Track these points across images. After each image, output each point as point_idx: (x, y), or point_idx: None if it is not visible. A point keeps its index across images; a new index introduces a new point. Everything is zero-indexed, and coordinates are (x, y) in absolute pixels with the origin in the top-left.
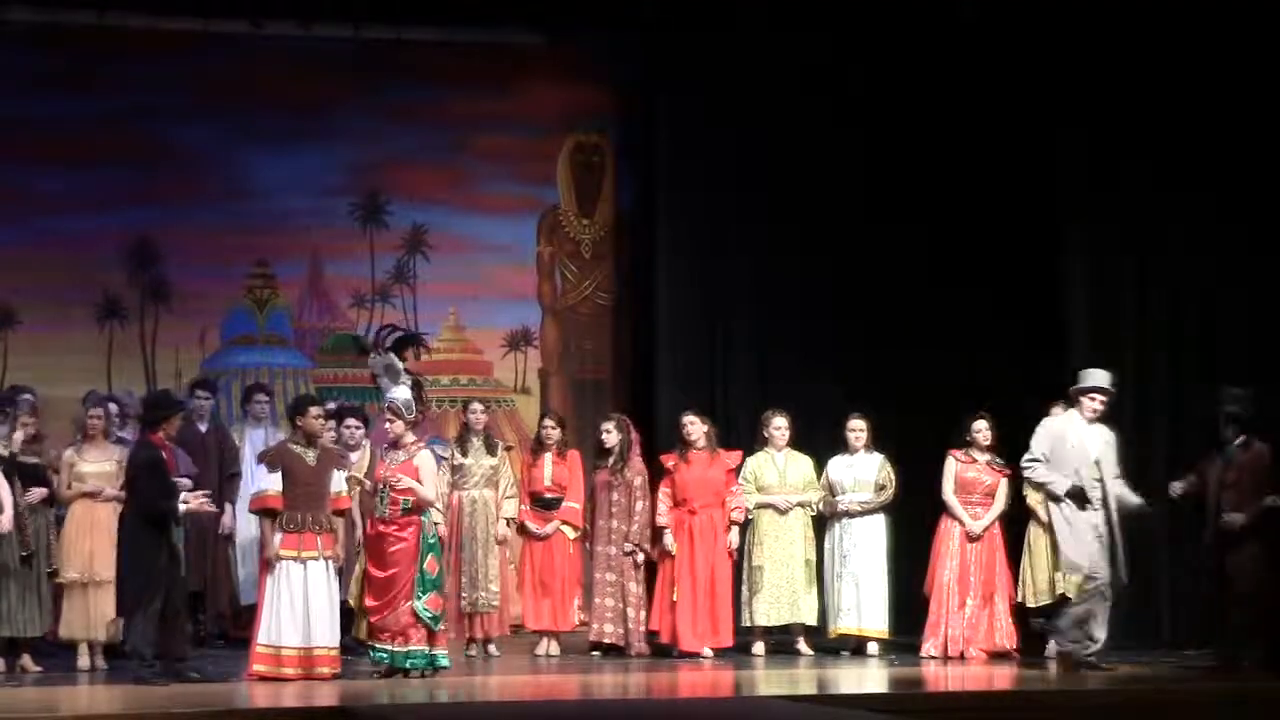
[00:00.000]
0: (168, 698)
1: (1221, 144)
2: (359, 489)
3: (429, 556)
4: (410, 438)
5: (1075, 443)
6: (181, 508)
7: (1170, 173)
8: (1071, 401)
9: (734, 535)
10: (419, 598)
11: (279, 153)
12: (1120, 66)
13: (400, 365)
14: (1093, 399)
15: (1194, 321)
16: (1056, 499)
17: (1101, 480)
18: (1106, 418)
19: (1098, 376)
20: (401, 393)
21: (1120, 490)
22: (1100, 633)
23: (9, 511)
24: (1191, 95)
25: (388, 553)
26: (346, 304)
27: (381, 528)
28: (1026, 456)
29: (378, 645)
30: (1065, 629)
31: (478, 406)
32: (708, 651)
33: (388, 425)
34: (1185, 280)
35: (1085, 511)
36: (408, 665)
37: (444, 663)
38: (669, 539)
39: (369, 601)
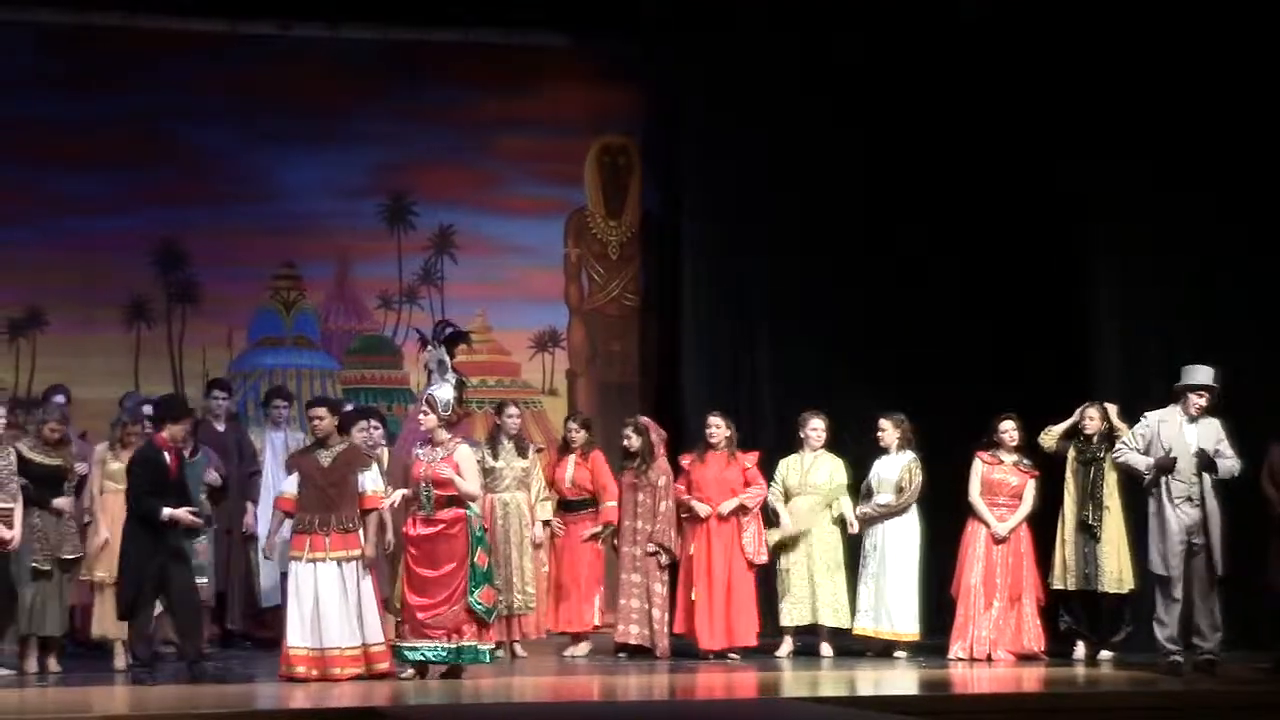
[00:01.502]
0: (196, 698)
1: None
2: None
3: (478, 550)
4: (445, 435)
5: (1173, 436)
6: (165, 512)
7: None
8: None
9: (748, 535)
10: (472, 592)
11: (306, 154)
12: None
13: (449, 361)
14: (1199, 395)
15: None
16: (1143, 480)
17: (1200, 478)
18: (1215, 412)
19: (1199, 373)
20: (444, 390)
21: (1229, 465)
22: (1198, 636)
23: (18, 531)
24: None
25: (439, 550)
26: (374, 305)
27: (427, 526)
28: (1119, 442)
29: (425, 643)
30: (1163, 638)
31: (514, 410)
32: (734, 655)
33: (420, 418)
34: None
35: (1177, 506)
36: (463, 660)
37: (491, 658)
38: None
39: (418, 600)
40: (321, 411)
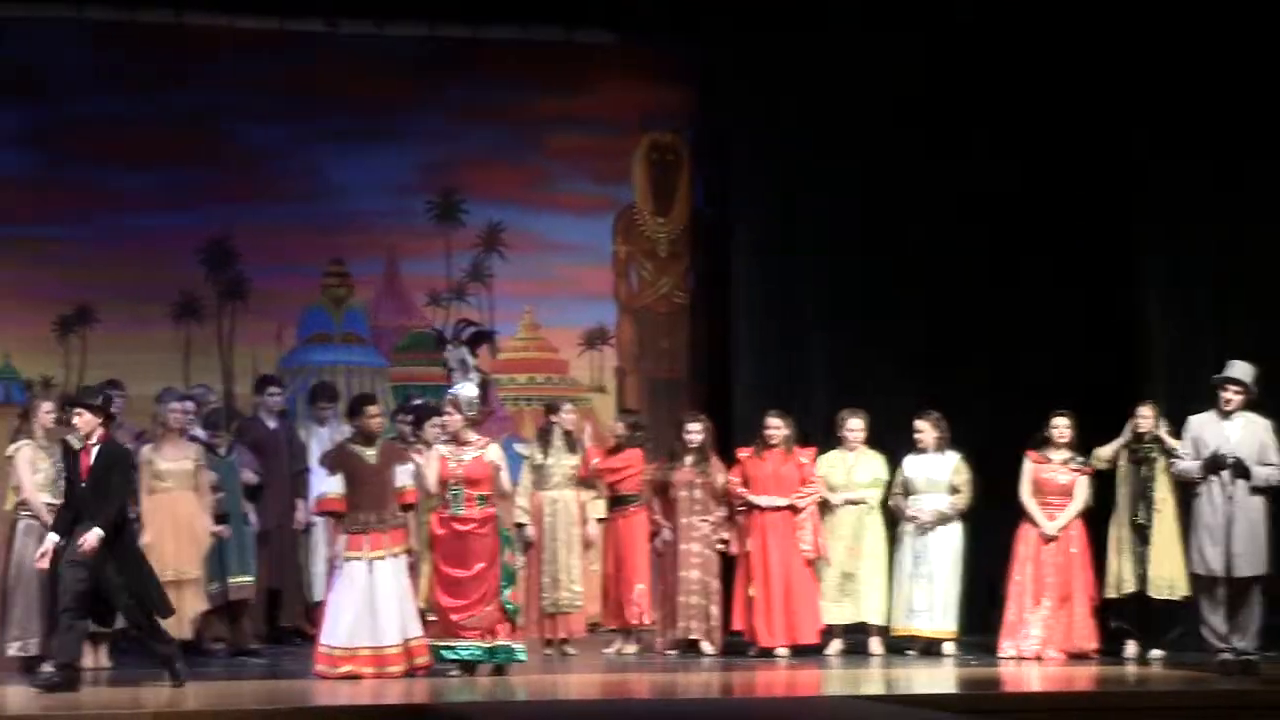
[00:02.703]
0: (243, 695)
1: None
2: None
3: (506, 550)
4: (472, 435)
5: (1213, 434)
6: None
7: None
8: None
9: (805, 532)
10: (503, 591)
11: (355, 151)
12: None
13: (471, 361)
14: (1230, 390)
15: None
16: (1197, 482)
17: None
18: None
19: (1232, 368)
20: (466, 389)
21: (1266, 472)
22: (1238, 635)
23: (49, 549)
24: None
25: (472, 550)
26: (422, 302)
27: (459, 525)
28: (1172, 455)
29: (459, 643)
30: (1210, 637)
31: (569, 407)
32: (782, 650)
33: (445, 419)
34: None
35: (1216, 505)
36: (497, 660)
37: (523, 656)
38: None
39: (451, 601)
40: (378, 409)
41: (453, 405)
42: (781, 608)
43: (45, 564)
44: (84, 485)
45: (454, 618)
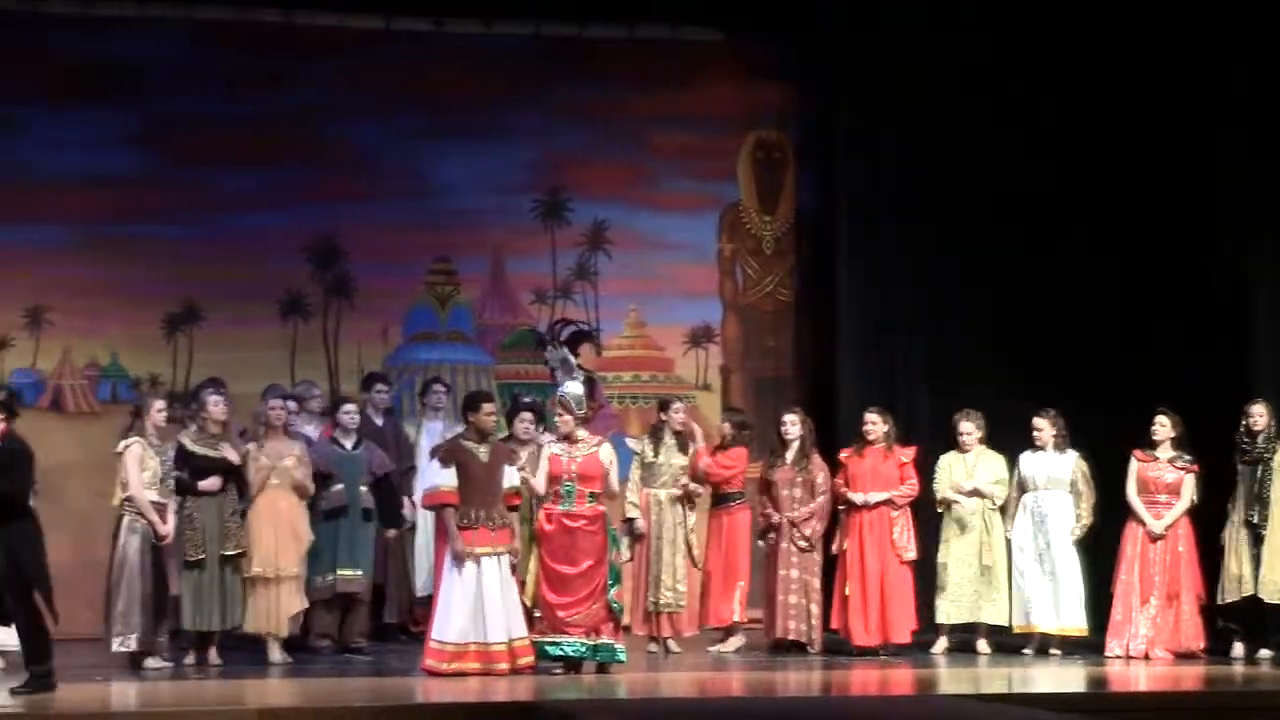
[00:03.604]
0: (348, 692)
1: None
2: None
3: (613, 549)
4: (582, 433)
5: None
6: None
7: None
8: None
9: (899, 530)
10: (610, 590)
11: (461, 150)
12: None
13: (574, 360)
14: None
15: None
16: None
17: None
18: None
19: None
20: (573, 388)
21: None
22: None
23: (171, 526)
24: None
25: (581, 548)
26: (528, 300)
27: (569, 522)
28: None
29: (564, 639)
30: None
31: (679, 405)
32: (885, 648)
33: (557, 419)
34: None
35: None
36: (599, 658)
37: (624, 657)
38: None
39: (557, 598)
40: (493, 407)
41: (562, 405)
42: (876, 608)
43: None
44: None
45: (560, 614)
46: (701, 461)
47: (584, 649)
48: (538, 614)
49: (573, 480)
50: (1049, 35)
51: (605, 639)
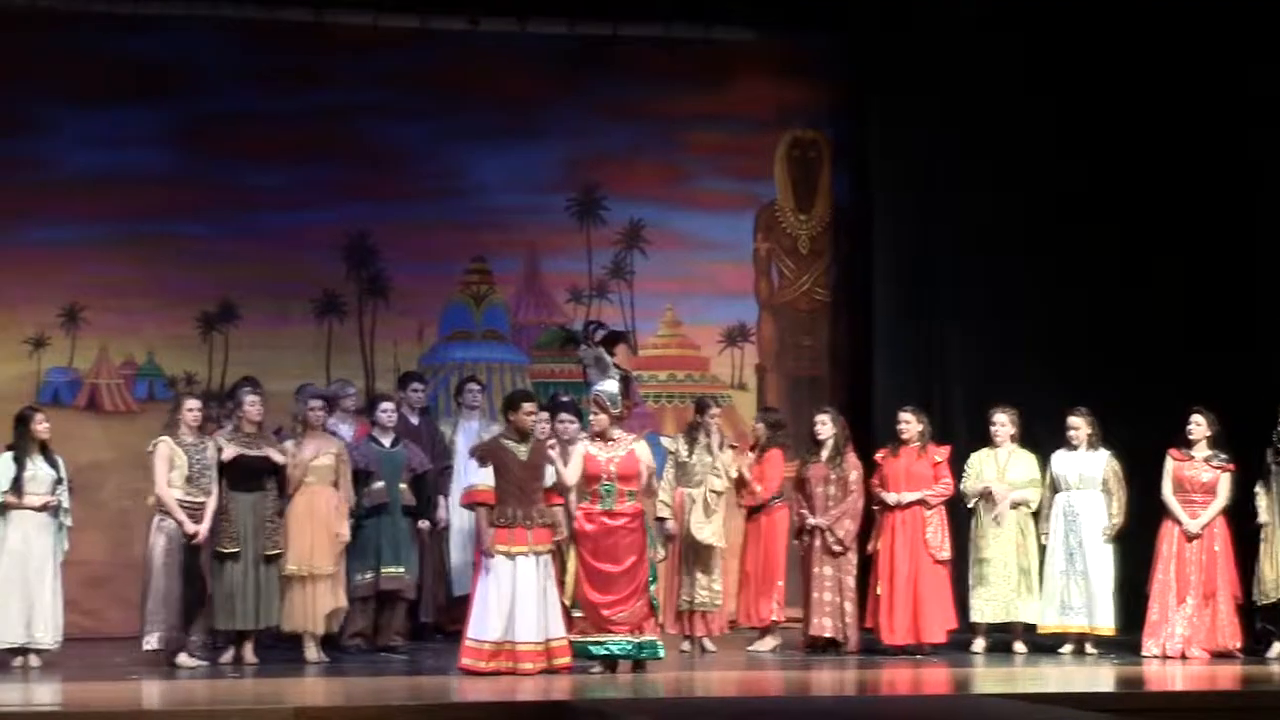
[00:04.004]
0: (384, 691)
1: None
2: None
3: (650, 547)
4: (617, 431)
5: None
6: None
7: None
8: None
9: (932, 530)
10: (650, 586)
11: (496, 149)
12: None
13: (609, 359)
14: None
15: None
16: None
17: None
18: None
19: None
20: (609, 386)
21: None
22: None
23: (205, 525)
24: None
25: (623, 545)
26: (563, 299)
27: (610, 521)
28: None
29: (609, 638)
30: None
31: (717, 412)
32: (924, 650)
33: (591, 417)
34: None
35: None
36: (643, 655)
37: (663, 653)
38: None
39: (601, 597)
40: (533, 406)
41: (596, 403)
42: (908, 607)
43: None
44: None
45: (604, 613)
46: (742, 466)
47: (629, 647)
48: (577, 614)
49: (612, 480)
50: (1083, 34)
51: (648, 635)
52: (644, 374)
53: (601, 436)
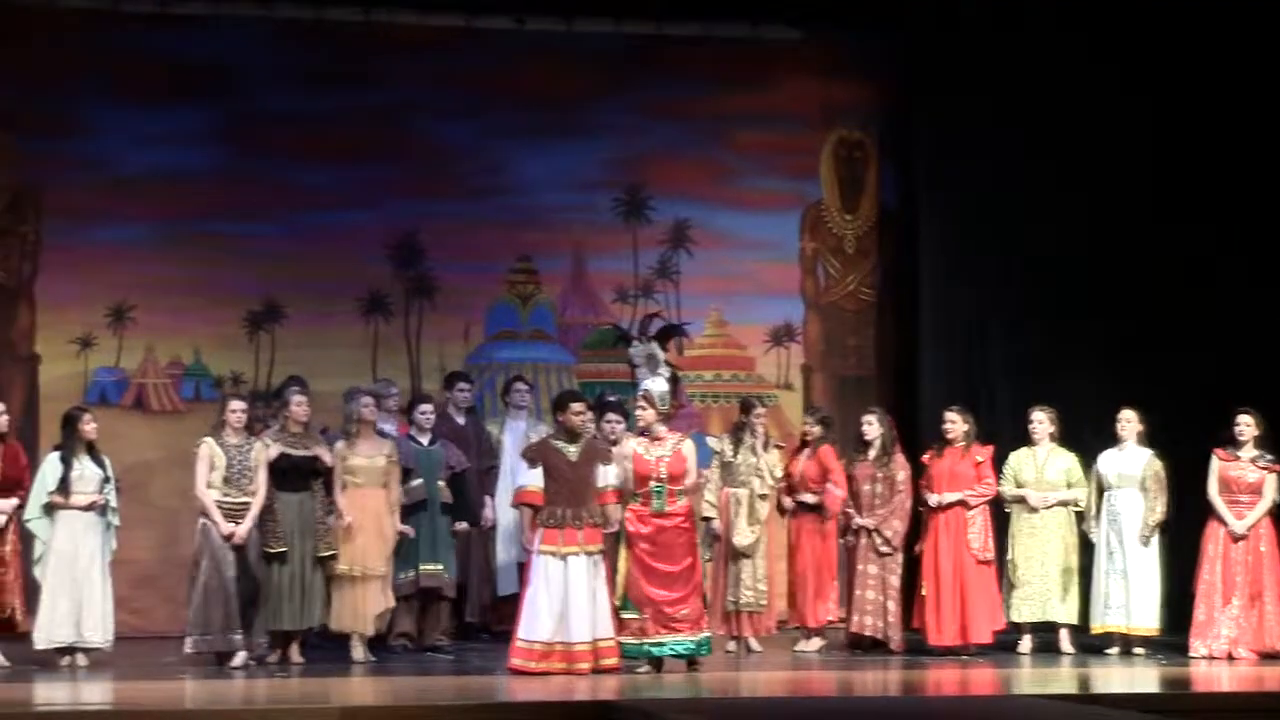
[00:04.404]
0: (431, 691)
1: None
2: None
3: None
4: (662, 429)
5: None
6: None
7: None
8: None
9: (974, 531)
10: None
11: (541, 148)
12: None
13: (661, 355)
14: None
15: None
16: None
17: None
18: None
19: None
20: (658, 384)
21: None
22: None
23: (246, 526)
24: None
25: (678, 544)
26: (610, 299)
27: (664, 522)
28: None
29: (671, 637)
30: None
31: (762, 411)
32: (970, 651)
33: (638, 413)
34: None
35: None
36: (700, 652)
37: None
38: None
39: (664, 595)
40: (581, 406)
41: (645, 400)
42: (952, 608)
43: None
44: None
45: (668, 610)
46: (799, 466)
47: (691, 645)
48: (629, 615)
49: (662, 481)
50: (1131, 32)
51: (705, 632)
52: (690, 374)
53: (648, 434)
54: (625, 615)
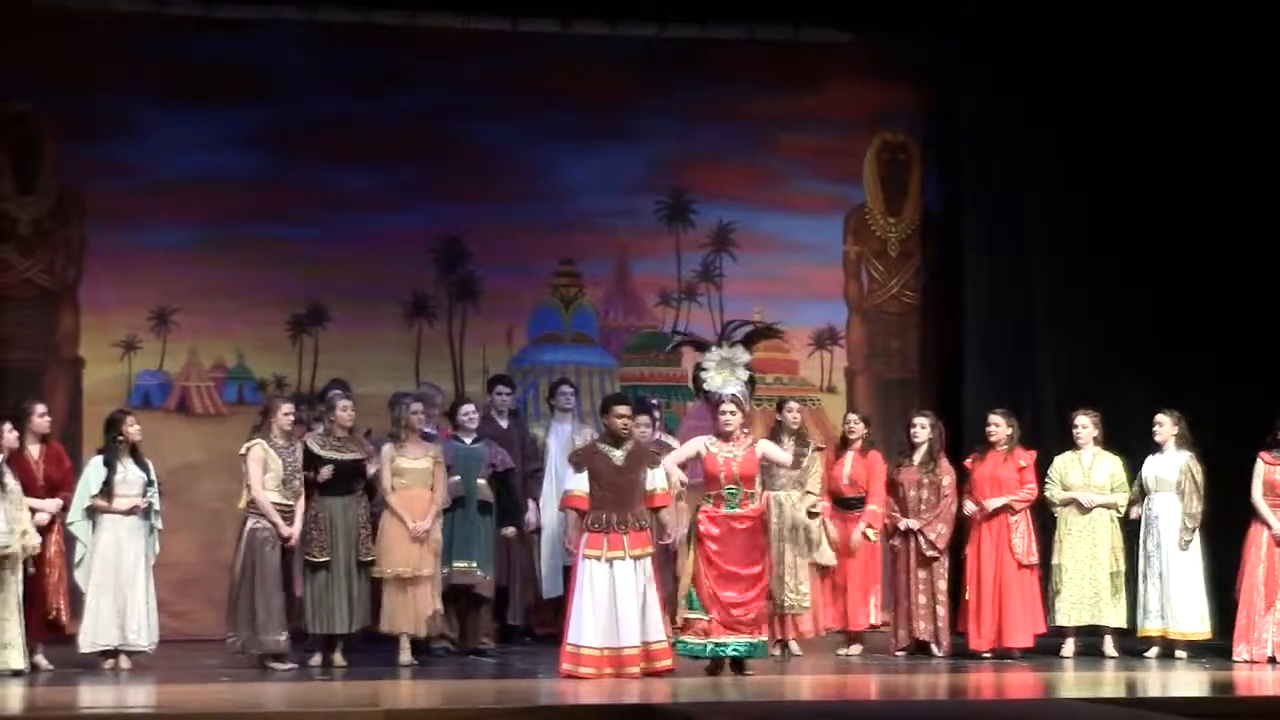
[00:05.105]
0: (475, 694)
1: None
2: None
3: None
4: (740, 431)
5: None
6: None
7: None
8: None
9: (1017, 535)
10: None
11: (585, 151)
12: None
13: (744, 359)
14: None
15: None
16: None
17: None
18: None
19: None
20: (738, 387)
21: None
22: None
23: (297, 527)
24: None
25: (751, 545)
26: (653, 302)
27: (738, 524)
28: None
29: (733, 638)
30: None
31: (794, 405)
32: (1015, 654)
33: (728, 416)
34: None
35: None
36: (755, 655)
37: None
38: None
39: (731, 595)
40: (625, 409)
41: (735, 404)
42: (993, 612)
43: None
44: None
45: (735, 612)
46: (846, 468)
47: (751, 647)
48: (693, 615)
49: (736, 483)
50: (1177, 35)
51: (763, 636)
52: (762, 376)
53: (721, 436)
54: (691, 615)
